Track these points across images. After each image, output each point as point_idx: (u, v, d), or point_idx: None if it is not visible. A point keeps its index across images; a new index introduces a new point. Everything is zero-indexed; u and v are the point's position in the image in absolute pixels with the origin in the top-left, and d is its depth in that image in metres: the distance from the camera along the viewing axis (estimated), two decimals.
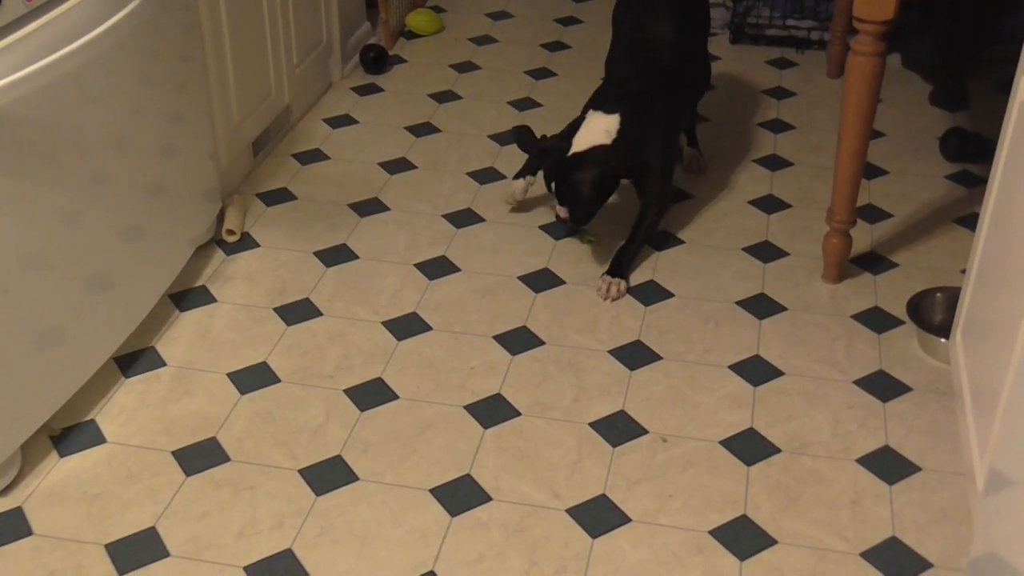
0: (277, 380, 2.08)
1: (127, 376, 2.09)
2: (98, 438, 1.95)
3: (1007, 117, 1.84)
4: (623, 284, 2.33)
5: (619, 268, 2.37)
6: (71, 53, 1.82)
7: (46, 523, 1.78)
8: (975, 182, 2.74)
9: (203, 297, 2.32)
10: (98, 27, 1.89)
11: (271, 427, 1.97)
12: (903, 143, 2.92)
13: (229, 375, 2.10)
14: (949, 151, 2.85)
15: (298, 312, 2.27)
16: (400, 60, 3.39)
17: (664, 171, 2.47)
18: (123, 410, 2.01)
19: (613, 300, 2.32)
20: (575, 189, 2.35)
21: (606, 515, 1.80)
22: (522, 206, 2.62)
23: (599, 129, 2.37)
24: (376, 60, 3.28)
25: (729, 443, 1.94)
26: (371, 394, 2.05)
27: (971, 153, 2.82)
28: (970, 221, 2.58)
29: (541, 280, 2.39)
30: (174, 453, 1.91)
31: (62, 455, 1.91)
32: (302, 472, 1.88)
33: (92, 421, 1.99)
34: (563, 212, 2.39)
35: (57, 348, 1.90)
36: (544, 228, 2.57)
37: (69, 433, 1.96)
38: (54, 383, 1.91)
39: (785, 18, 3.47)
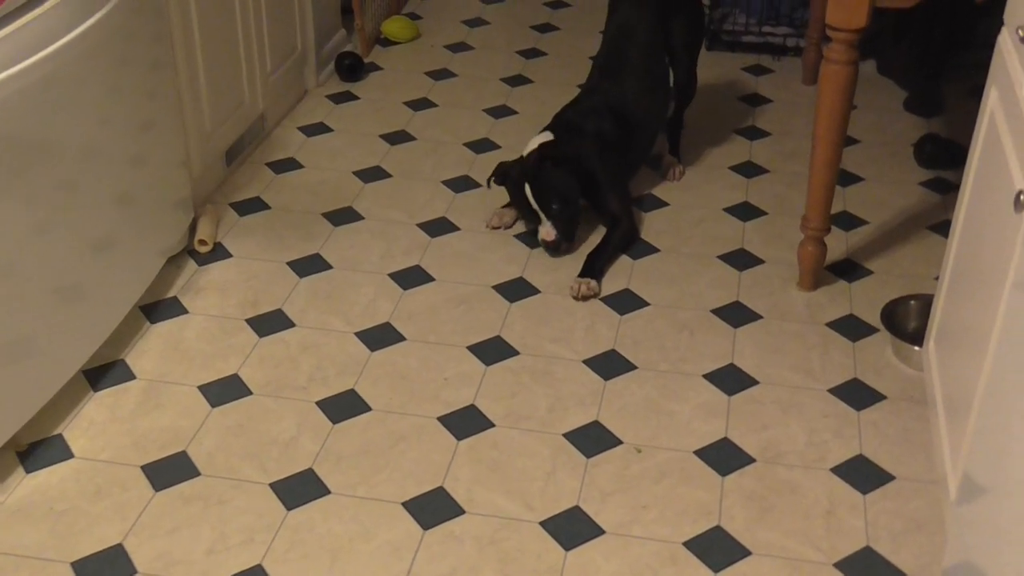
0: (249, 392, 2.07)
1: (96, 389, 2.07)
2: (65, 453, 1.92)
3: (977, 125, 1.85)
4: (593, 283, 2.35)
5: (591, 270, 2.39)
6: (39, 62, 1.81)
7: (11, 540, 1.76)
8: (949, 189, 2.75)
9: (174, 308, 2.30)
10: (66, 35, 1.88)
11: (242, 440, 1.96)
12: (878, 150, 2.94)
13: (200, 388, 2.08)
14: (923, 157, 2.86)
15: (270, 323, 2.26)
16: (376, 67, 3.38)
17: (613, 182, 2.54)
18: (91, 424, 1.99)
19: (584, 299, 2.32)
20: (546, 175, 2.43)
21: (580, 527, 1.79)
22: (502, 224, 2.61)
23: (537, 140, 2.53)
24: (351, 67, 3.27)
25: (703, 453, 1.94)
26: (344, 406, 2.04)
27: (945, 159, 2.83)
28: (944, 228, 2.59)
29: (516, 289, 2.38)
30: (143, 468, 1.89)
31: (28, 471, 1.89)
32: (273, 486, 1.86)
33: (59, 436, 1.96)
34: (548, 231, 2.43)
35: (24, 361, 1.87)
36: (519, 237, 2.57)
37: (36, 448, 1.93)
38: (20, 397, 1.89)
39: (761, 25, 3.48)
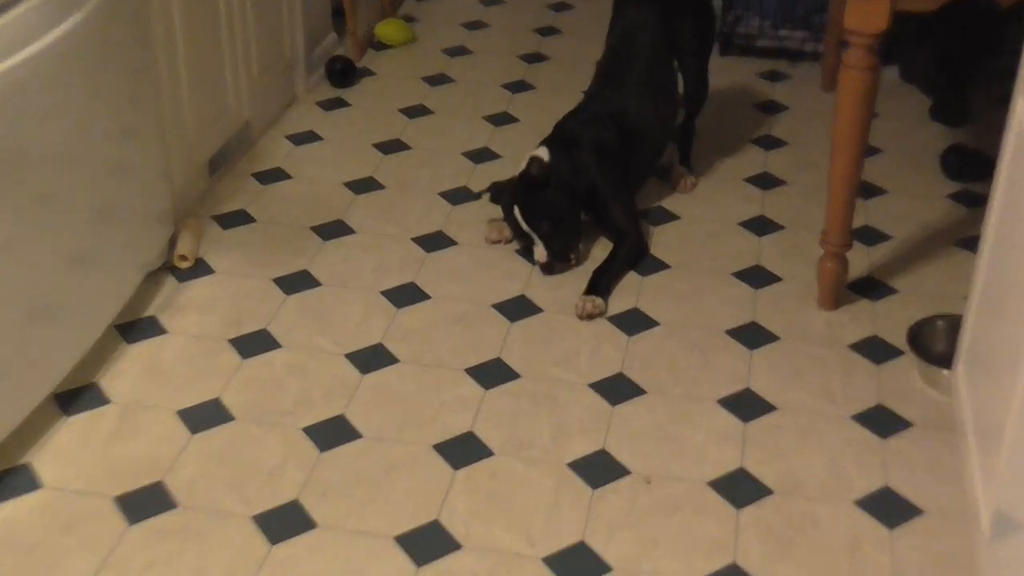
0: (231, 418, 2.06)
1: (68, 414, 2.06)
2: (34, 483, 1.90)
3: (1006, 135, 1.84)
4: (599, 301, 2.35)
5: (597, 287, 2.39)
6: (12, 67, 1.81)
7: None
8: (977, 201, 2.74)
9: (152, 328, 2.29)
10: (41, 39, 1.87)
11: (224, 469, 1.94)
12: (902, 160, 2.93)
13: (179, 413, 2.07)
14: (950, 168, 2.85)
15: (255, 344, 2.25)
16: (368, 72, 3.39)
17: (617, 192, 2.54)
18: (62, 452, 1.97)
19: (590, 318, 2.32)
20: (533, 196, 2.43)
21: (585, 563, 1.77)
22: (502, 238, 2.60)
23: (531, 155, 2.51)
24: (343, 73, 3.28)
25: (718, 484, 1.92)
26: (332, 433, 2.02)
27: (973, 171, 2.83)
28: (973, 243, 2.55)
29: (517, 308, 2.37)
30: (117, 499, 1.88)
31: None
32: (256, 519, 1.84)
33: (27, 464, 1.94)
34: (540, 252, 2.44)
35: None
36: (521, 252, 2.56)
37: (2, 478, 1.91)
38: None
39: (777, 28, 3.48)
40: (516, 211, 2.45)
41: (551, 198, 2.44)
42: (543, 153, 2.53)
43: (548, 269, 2.45)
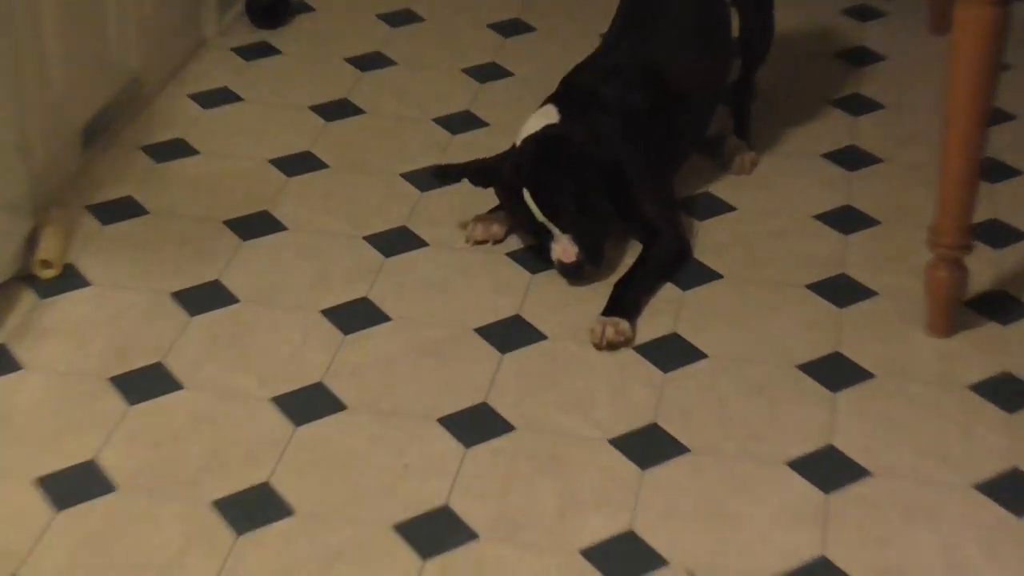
0: (111, 488, 2.04)
1: None
2: None
3: None
4: (624, 325, 2.36)
5: (619, 305, 2.40)
6: None
7: None
8: None
9: (3, 362, 2.29)
10: None
11: (101, 560, 1.92)
12: None
13: (39, 480, 2.05)
14: None
15: (146, 384, 2.25)
16: (305, 7, 3.43)
17: (649, 173, 2.56)
18: None
19: (611, 348, 2.33)
20: (552, 170, 2.44)
21: None
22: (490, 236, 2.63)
23: (538, 120, 2.56)
24: (270, 9, 3.33)
25: None
26: (253, 508, 2.01)
27: None
28: None
29: (510, 333, 2.38)
30: None
31: None
32: None
33: None
34: (566, 248, 2.43)
35: None
36: (513, 256, 2.57)
37: None
38: None
39: None
40: (526, 194, 2.44)
41: (574, 172, 2.45)
42: (551, 114, 2.53)
43: (575, 273, 2.46)
